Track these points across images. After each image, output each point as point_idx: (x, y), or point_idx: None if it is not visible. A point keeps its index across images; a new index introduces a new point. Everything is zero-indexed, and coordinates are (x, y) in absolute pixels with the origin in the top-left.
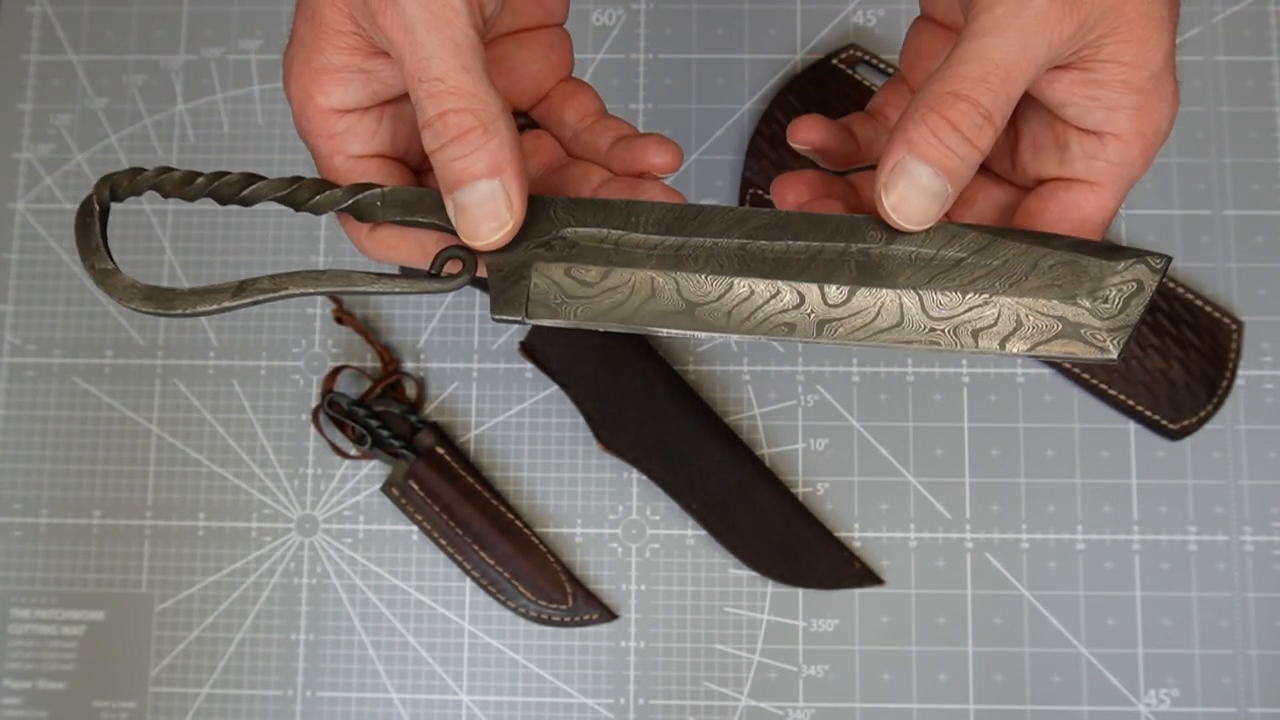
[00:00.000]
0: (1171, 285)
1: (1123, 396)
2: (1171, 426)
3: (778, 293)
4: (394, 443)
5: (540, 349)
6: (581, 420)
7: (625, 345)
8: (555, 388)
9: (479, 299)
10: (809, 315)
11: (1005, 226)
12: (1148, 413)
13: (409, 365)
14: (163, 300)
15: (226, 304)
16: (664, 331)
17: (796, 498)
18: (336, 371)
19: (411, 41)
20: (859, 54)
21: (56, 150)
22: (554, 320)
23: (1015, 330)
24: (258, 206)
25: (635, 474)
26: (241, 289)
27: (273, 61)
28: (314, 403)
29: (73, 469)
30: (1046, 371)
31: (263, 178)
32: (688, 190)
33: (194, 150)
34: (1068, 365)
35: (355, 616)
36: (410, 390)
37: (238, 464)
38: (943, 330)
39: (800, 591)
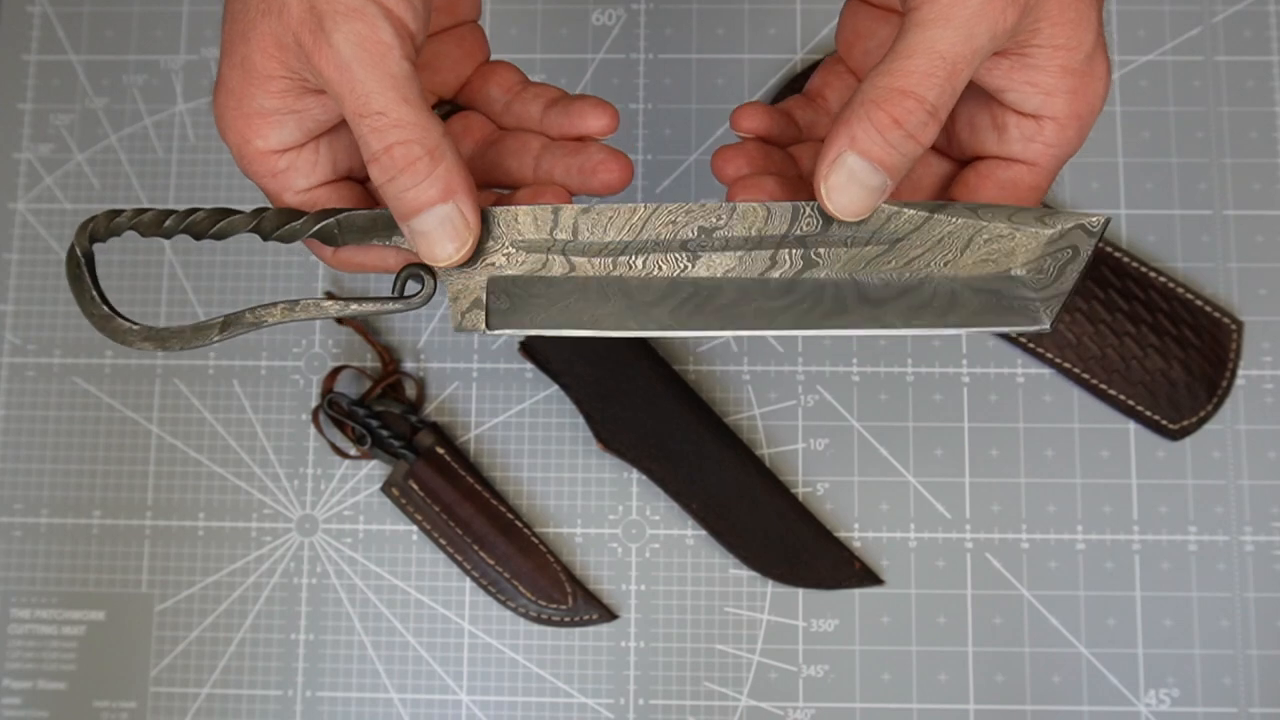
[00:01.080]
0: (1171, 285)
1: (1123, 396)
2: (1171, 426)
3: (720, 289)
4: (394, 443)
5: (540, 349)
6: (581, 420)
7: (625, 345)
8: (555, 388)
9: None
10: (751, 308)
11: (941, 201)
12: (1148, 413)
13: (409, 365)
14: (159, 340)
15: (215, 338)
16: (615, 333)
17: (796, 498)
18: (336, 371)
19: (349, 79)
20: None
21: (56, 150)
22: (512, 330)
23: (951, 308)
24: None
25: (635, 474)
26: (227, 324)
27: None
28: (314, 403)
29: (73, 469)
30: (1047, 371)
31: (233, 212)
32: (688, 190)
33: (194, 150)
34: (1062, 364)
35: (355, 616)
36: (410, 390)
37: (238, 464)
38: (880, 313)
39: (800, 591)
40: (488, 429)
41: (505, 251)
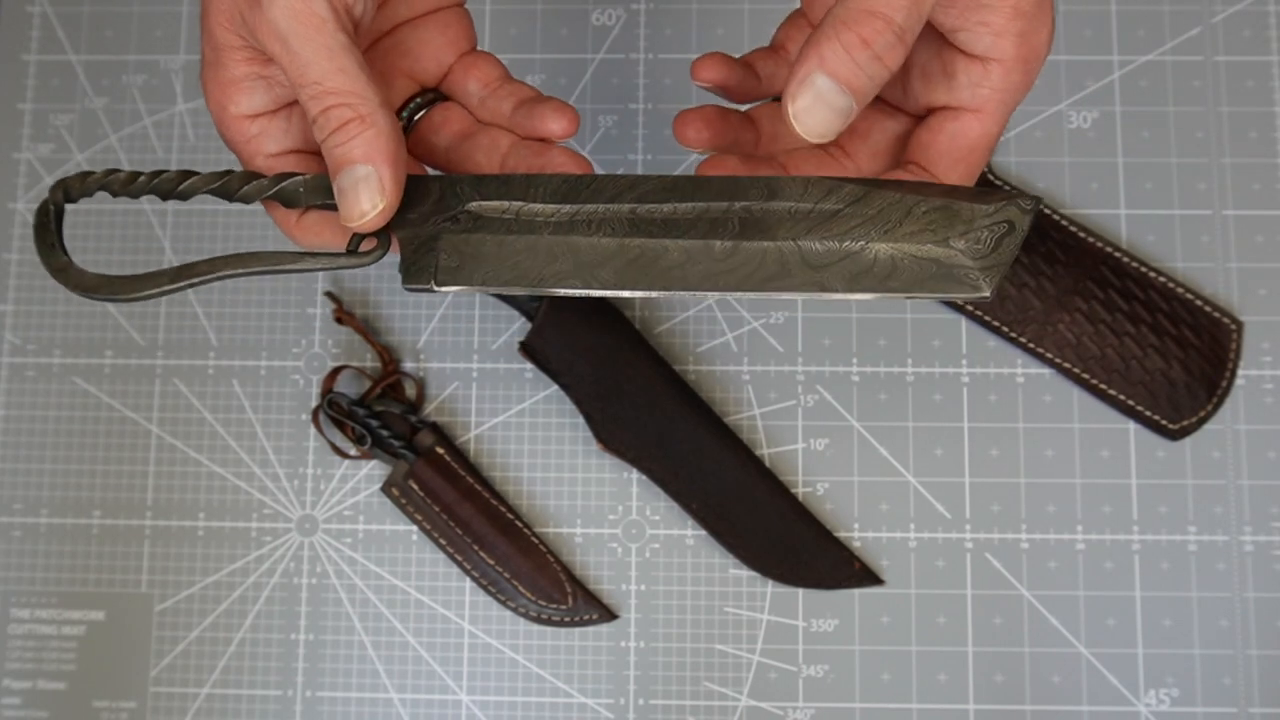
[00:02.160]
0: (1171, 285)
1: (1123, 396)
2: (1171, 426)
3: (666, 250)
4: (394, 443)
5: (540, 349)
6: (581, 420)
7: (625, 345)
8: (555, 388)
9: (479, 300)
10: (696, 269)
11: (879, 179)
12: (1148, 413)
13: (409, 365)
14: (112, 287)
15: (166, 287)
16: (563, 291)
17: (796, 498)
18: (336, 371)
19: (288, 51)
20: None
21: (56, 150)
22: (460, 286)
23: (892, 273)
24: (258, 206)
25: (635, 474)
26: (180, 273)
27: None
28: (314, 403)
29: (73, 469)
30: (1047, 371)
31: (196, 173)
32: None
33: (194, 150)
34: (1062, 364)
35: (355, 616)
36: (410, 390)
37: (238, 464)
38: (823, 278)
39: (800, 591)
40: (488, 429)
41: (461, 214)
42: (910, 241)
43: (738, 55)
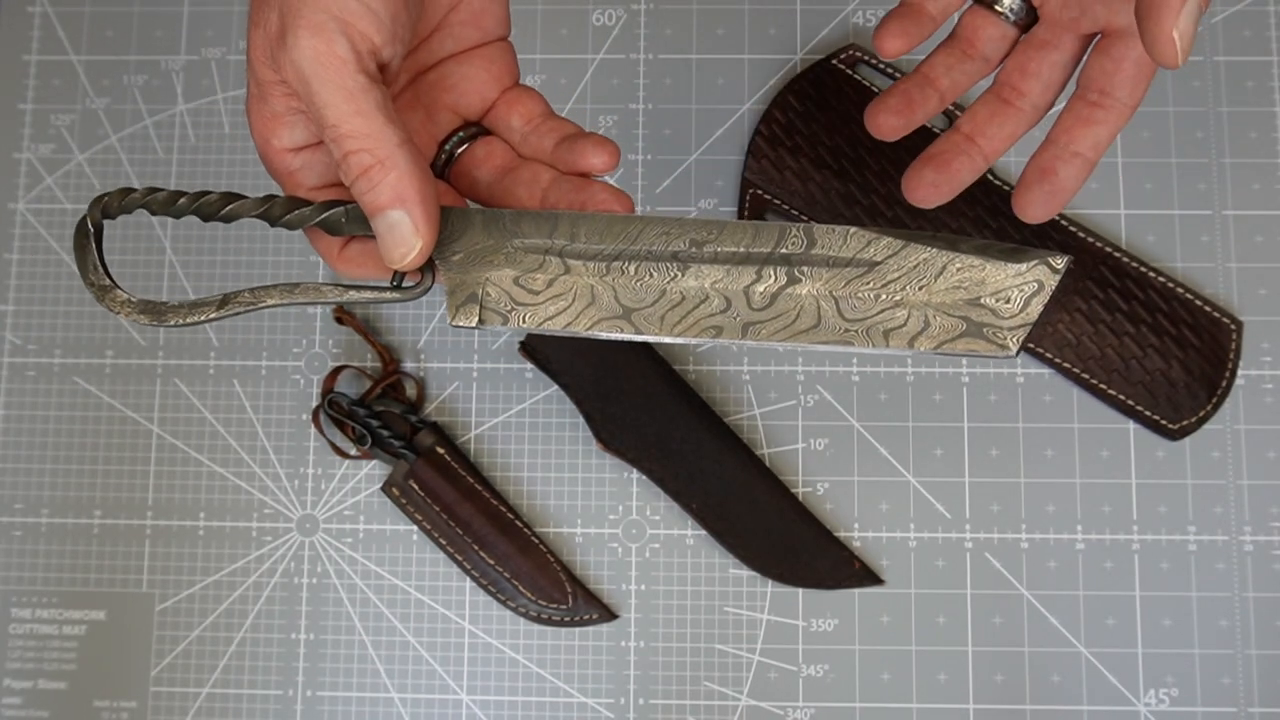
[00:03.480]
0: (1171, 285)
1: (1123, 396)
2: (1171, 426)
3: (706, 298)
4: (394, 443)
5: (540, 349)
6: (581, 420)
7: (625, 345)
8: (555, 388)
9: None
10: (735, 318)
11: (915, 231)
12: (1148, 413)
13: (409, 365)
14: (157, 313)
15: (212, 315)
16: (603, 335)
17: (796, 498)
18: (336, 371)
19: (309, 92)
20: (859, 54)
21: (56, 150)
22: (505, 326)
23: (923, 330)
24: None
25: (635, 474)
26: (225, 302)
27: None
28: (314, 403)
29: (73, 469)
30: (1046, 371)
31: (242, 197)
32: (688, 189)
33: (194, 150)
34: (1062, 364)
35: (355, 616)
36: (410, 390)
37: (238, 464)
38: (856, 331)
39: (800, 591)
40: (488, 429)
41: (505, 251)
42: (943, 298)
43: (737, 54)
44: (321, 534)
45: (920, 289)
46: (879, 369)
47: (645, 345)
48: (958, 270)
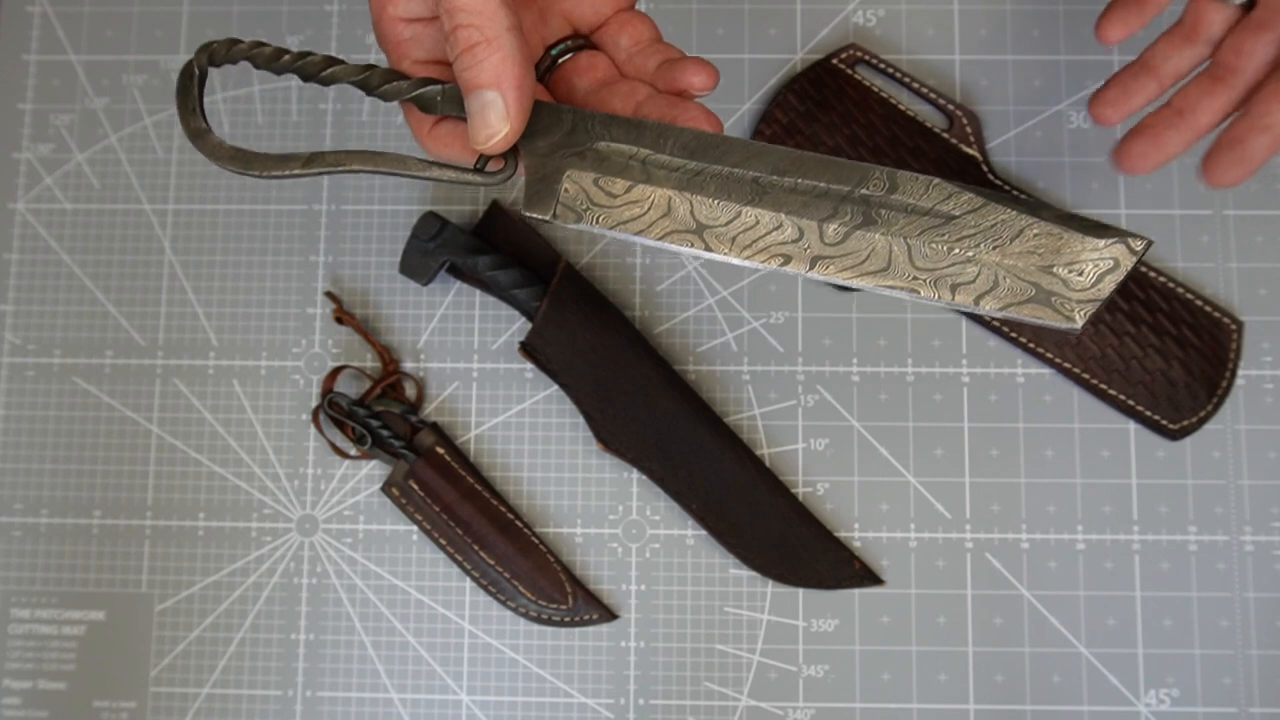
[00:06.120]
0: (1171, 285)
1: (1123, 396)
2: (1171, 426)
3: (780, 225)
4: (394, 443)
5: (540, 349)
6: (581, 420)
7: (625, 345)
8: (555, 388)
9: (479, 298)
10: (805, 249)
11: (998, 192)
12: (1148, 413)
13: (409, 365)
14: (244, 161)
15: (297, 171)
16: (672, 247)
17: (796, 498)
18: (336, 371)
19: None
20: (859, 54)
21: (56, 150)
22: (577, 224)
23: (991, 289)
24: (257, 206)
25: (635, 474)
26: (311, 160)
27: None
28: (314, 403)
29: (73, 469)
30: (1047, 371)
31: (342, 61)
32: None
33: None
34: (1062, 364)
35: (355, 616)
36: (410, 390)
37: (238, 464)
38: (924, 280)
39: (800, 591)
40: (488, 429)
41: (590, 151)
42: (1016, 260)
43: (737, 54)
44: (321, 534)
45: (995, 249)
46: (879, 369)
47: (645, 345)
48: (1035, 235)
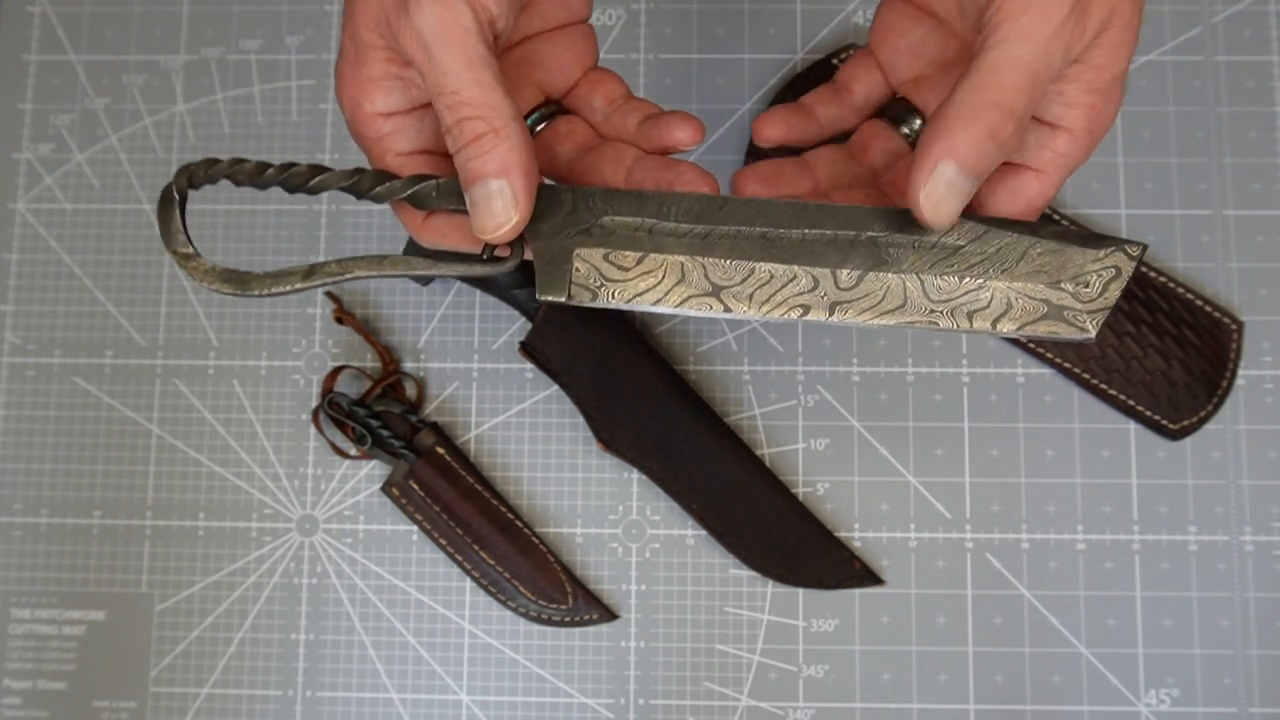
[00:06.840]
0: (1171, 285)
1: (1123, 396)
2: (1171, 426)
3: (795, 277)
4: (394, 443)
5: (540, 349)
6: (581, 420)
7: (625, 345)
8: (555, 388)
9: (479, 298)
10: (822, 297)
11: (994, 217)
12: (1148, 413)
13: (409, 365)
14: (240, 283)
15: (299, 285)
16: (693, 312)
17: (796, 498)
18: (336, 371)
19: (429, 59)
20: None
21: (56, 150)
22: (593, 301)
23: (1006, 312)
24: (258, 208)
25: (635, 474)
26: (311, 272)
27: (273, 62)
28: (314, 403)
29: (73, 469)
30: (1047, 371)
31: (328, 169)
32: None
33: (194, 151)
34: (1062, 364)
35: (355, 616)
36: (410, 390)
37: (238, 464)
38: (941, 311)
39: (800, 591)
40: (488, 429)
41: (595, 228)
42: (1025, 281)
43: (737, 54)
44: (321, 534)
45: (1003, 273)
46: (879, 369)
47: (645, 345)
48: (1039, 254)
